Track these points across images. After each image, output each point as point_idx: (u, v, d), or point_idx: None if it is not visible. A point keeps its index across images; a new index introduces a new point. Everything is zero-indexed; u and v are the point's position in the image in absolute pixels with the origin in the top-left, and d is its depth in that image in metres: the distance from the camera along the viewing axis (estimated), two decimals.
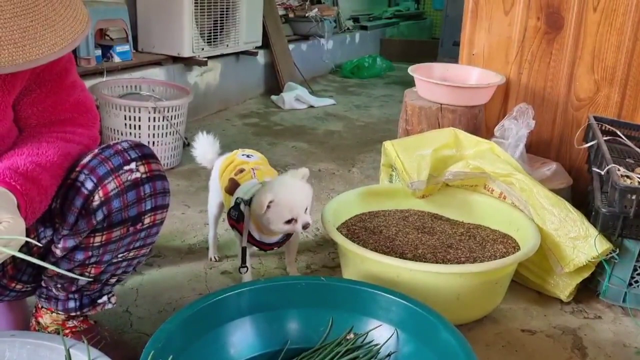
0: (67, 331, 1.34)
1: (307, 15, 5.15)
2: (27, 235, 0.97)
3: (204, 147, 1.91)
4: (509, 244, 1.75)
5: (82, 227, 1.15)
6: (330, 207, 1.81)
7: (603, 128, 2.02)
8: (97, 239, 1.18)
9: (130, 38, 3.20)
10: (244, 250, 1.65)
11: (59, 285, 1.26)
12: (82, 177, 1.13)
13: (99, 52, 3.01)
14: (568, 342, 1.59)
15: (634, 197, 1.56)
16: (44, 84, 1.15)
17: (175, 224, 2.18)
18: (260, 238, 1.66)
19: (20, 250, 0.93)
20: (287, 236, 1.71)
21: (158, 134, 2.69)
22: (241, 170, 1.72)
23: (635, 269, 1.69)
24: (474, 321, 1.63)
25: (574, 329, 1.65)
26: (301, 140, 3.39)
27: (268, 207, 1.52)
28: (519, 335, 1.61)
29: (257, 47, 4.16)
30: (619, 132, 1.98)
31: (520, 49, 2.35)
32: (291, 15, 5.17)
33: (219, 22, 3.67)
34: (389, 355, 1.28)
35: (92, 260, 1.21)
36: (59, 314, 1.32)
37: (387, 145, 1.96)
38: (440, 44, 6.21)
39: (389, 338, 1.29)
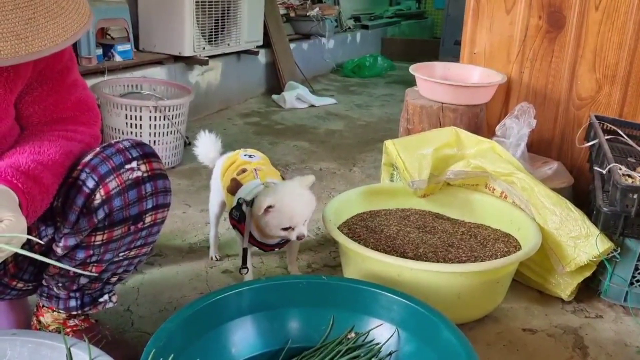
0: (68, 330, 1.34)
1: (308, 14, 5.14)
2: (29, 234, 0.97)
3: (206, 146, 1.91)
4: (510, 243, 1.75)
5: (83, 225, 1.15)
6: (332, 206, 1.81)
7: (604, 127, 2.02)
8: (99, 237, 1.18)
9: (131, 37, 3.21)
10: (245, 251, 1.65)
11: (60, 284, 1.26)
12: (83, 176, 1.13)
13: (100, 51, 3.01)
14: (569, 341, 1.59)
15: (635, 196, 1.56)
16: (46, 82, 1.15)
17: (176, 223, 2.18)
18: (261, 239, 1.66)
19: (21, 249, 0.93)
20: (288, 239, 1.71)
21: (159, 133, 2.69)
22: (243, 171, 1.72)
23: (636, 268, 1.69)
24: (475, 320, 1.63)
25: (575, 328, 1.65)
26: (302, 140, 3.39)
27: (268, 211, 1.52)
28: (520, 334, 1.61)
29: (258, 47, 4.16)
30: (620, 131, 1.98)
31: (522, 48, 2.35)
32: (292, 14, 5.17)
33: (220, 21, 3.67)
34: (390, 354, 1.28)
35: (93, 259, 1.21)
36: (60, 312, 1.32)
37: (388, 144, 1.96)
38: (441, 43, 6.21)
39: (390, 337, 1.29)
